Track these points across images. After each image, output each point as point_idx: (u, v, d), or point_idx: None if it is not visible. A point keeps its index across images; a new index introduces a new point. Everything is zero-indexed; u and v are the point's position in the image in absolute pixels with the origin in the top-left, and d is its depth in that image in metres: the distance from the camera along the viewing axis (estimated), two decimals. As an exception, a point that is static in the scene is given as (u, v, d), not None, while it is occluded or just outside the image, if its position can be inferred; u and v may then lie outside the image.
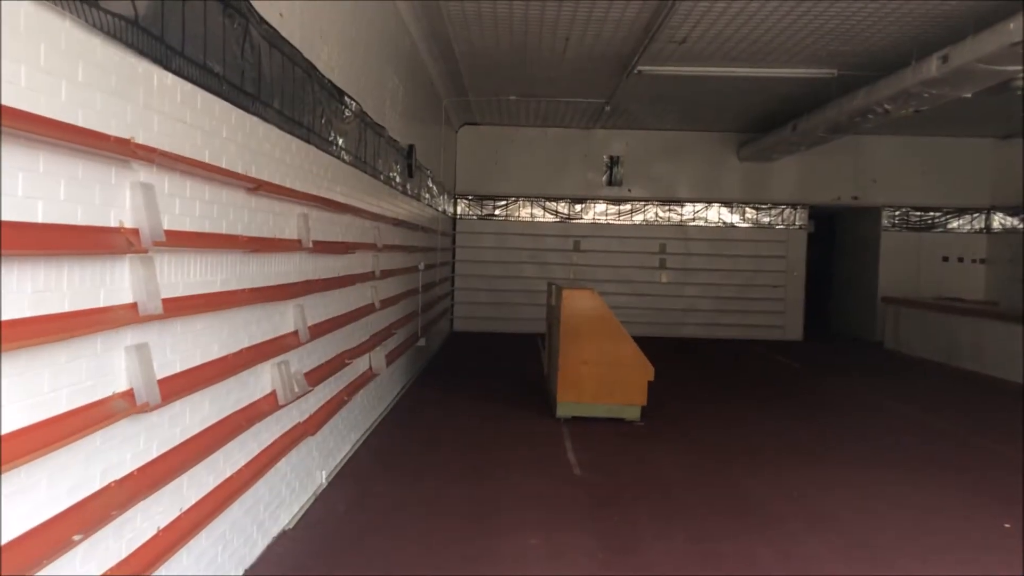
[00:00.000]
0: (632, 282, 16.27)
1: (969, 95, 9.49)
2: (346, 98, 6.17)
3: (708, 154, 16.52)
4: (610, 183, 16.51)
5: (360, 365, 6.95)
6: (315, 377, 5.37)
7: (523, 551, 4.79)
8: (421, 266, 10.71)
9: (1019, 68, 8.20)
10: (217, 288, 3.82)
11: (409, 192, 9.62)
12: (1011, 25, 7.30)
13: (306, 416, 5.28)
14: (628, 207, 16.52)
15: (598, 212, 16.57)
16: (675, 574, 4.53)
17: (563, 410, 8.29)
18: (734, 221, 16.58)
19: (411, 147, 9.38)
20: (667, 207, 16.55)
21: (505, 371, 11.87)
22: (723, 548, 4.95)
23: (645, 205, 16.53)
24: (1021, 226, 15.73)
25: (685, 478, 6.53)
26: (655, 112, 14.57)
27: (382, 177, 7.81)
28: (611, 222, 16.54)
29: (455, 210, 16.31)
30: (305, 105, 5.11)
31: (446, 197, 14.53)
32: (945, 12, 8.35)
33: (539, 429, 7.99)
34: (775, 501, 5.97)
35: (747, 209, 16.58)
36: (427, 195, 11.48)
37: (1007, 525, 5.52)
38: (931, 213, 16.59)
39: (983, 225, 16.53)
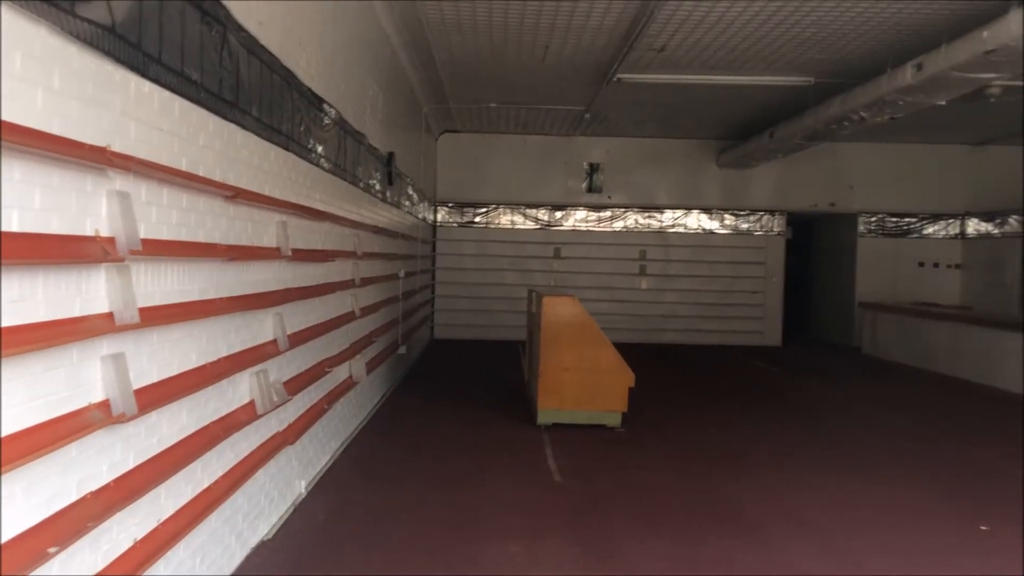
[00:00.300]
0: (612, 288, 16.32)
1: (943, 102, 9.62)
2: (325, 105, 6.16)
3: (687, 161, 16.62)
4: (590, 190, 16.57)
5: (340, 373, 6.92)
6: (294, 386, 5.34)
7: (504, 558, 4.79)
8: (401, 274, 10.69)
9: (992, 76, 8.32)
10: (195, 297, 3.80)
11: (389, 200, 9.60)
12: (984, 33, 7.41)
13: (285, 425, 5.25)
14: (608, 214, 16.58)
15: (578, 219, 16.62)
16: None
17: (544, 417, 8.29)
18: (713, 228, 16.68)
19: (391, 154, 9.37)
20: (647, 214, 16.62)
21: (486, 378, 11.85)
22: (704, 553, 4.97)
23: (625, 212, 16.59)
24: (996, 232, 15.92)
25: (666, 484, 6.55)
26: (635, 119, 14.64)
27: (362, 185, 7.80)
28: (591, 229, 16.59)
29: (435, 217, 16.30)
30: (284, 112, 5.09)
31: (426, 204, 14.52)
32: (920, 21, 8.46)
33: (520, 436, 7.99)
34: (756, 506, 6.00)
35: (726, 216, 16.68)
36: (407, 202, 11.47)
37: (984, 527, 5.57)
38: (907, 219, 16.77)
39: (958, 231, 16.73)
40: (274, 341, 4.96)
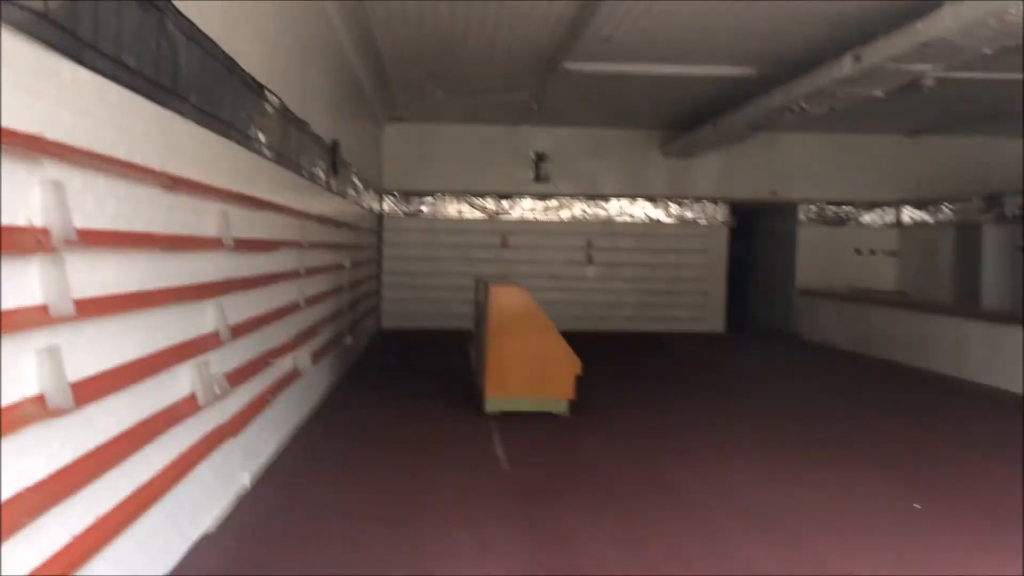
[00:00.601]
0: (559, 277, 16.41)
1: (881, 94, 9.87)
2: (268, 93, 6.07)
3: (633, 151, 16.76)
4: (537, 179, 16.61)
5: (284, 364, 6.85)
6: (237, 378, 5.27)
7: (451, 547, 4.80)
8: (347, 263, 10.61)
9: (926, 67, 8.55)
10: (133, 288, 3.72)
11: (334, 189, 9.51)
12: (919, 26, 7.61)
13: (228, 417, 5.18)
14: (555, 203, 16.65)
15: (525, 208, 16.66)
16: (602, 563, 4.60)
17: (491, 405, 8.32)
18: (658, 217, 16.87)
19: (336, 143, 9.27)
20: (593, 203, 16.74)
21: (433, 367, 11.84)
22: (650, 537, 5.04)
23: (572, 201, 16.68)
24: (929, 220, 16.40)
25: (612, 469, 6.63)
26: (581, 109, 14.71)
27: (306, 173, 7.71)
28: (538, 218, 16.65)
29: (382, 207, 16.18)
30: (225, 100, 5.00)
31: (372, 194, 14.41)
32: (859, 13, 8.62)
33: (467, 424, 8.01)
34: (700, 490, 6.11)
35: (671, 205, 16.88)
36: (352, 192, 11.37)
37: (917, 506, 5.76)
38: (845, 208, 17.17)
39: (894, 219, 17.18)
40: (216, 333, 4.89)
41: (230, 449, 5.23)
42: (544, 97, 13.31)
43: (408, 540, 4.88)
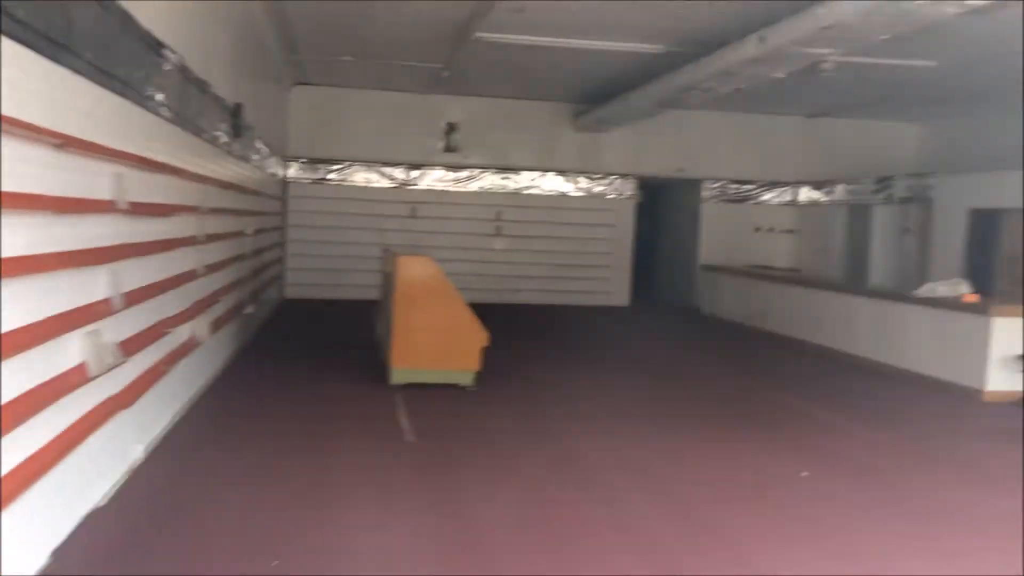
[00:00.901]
0: (468, 249, 16.38)
1: (783, 75, 10.15)
2: (166, 51, 5.80)
3: (544, 123, 16.80)
4: (447, 150, 16.48)
5: (182, 334, 6.63)
6: (131, 347, 5.08)
7: (353, 520, 4.77)
8: (250, 231, 10.32)
9: (827, 51, 8.82)
10: (19, 252, 3.52)
11: (236, 153, 9.21)
12: (820, 10, 7.84)
13: (121, 388, 4.99)
14: (465, 174, 16.57)
15: (435, 178, 16.52)
16: (505, 534, 4.65)
17: (397, 376, 8.27)
18: (568, 190, 16.99)
19: (238, 105, 8.96)
20: (503, 175, 16.73)
21: (338, 338, 11.69)
22: (552, 508, 5.13)
23: (482, 172, 16.63)
24: (824, 199, 17.03)
25: (517, 441, 6.70)
26: (493, 80, 14.63)
27: (206, 136, 7.43)
28: (448, 189, 16.54)
29: (286, 173, 15.78)
30: (120, 57, 4.76)
31: (277, 159, 14.03)
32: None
33: (372, 396, 7.95)
34: (601, 460, 6.24)
35: (580, 178, 17.02)
36: (256, 156, 11.04)
37: (804, 474, 6.03)
38: (746, 186, 17.66)
39: (791, 198, 17.78)
40: (108, 300, 4.68)
41: (123, 421, 5.05)
42: (456, 66, 13.17)
43: (308, 512, 4.83)
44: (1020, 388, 8.77)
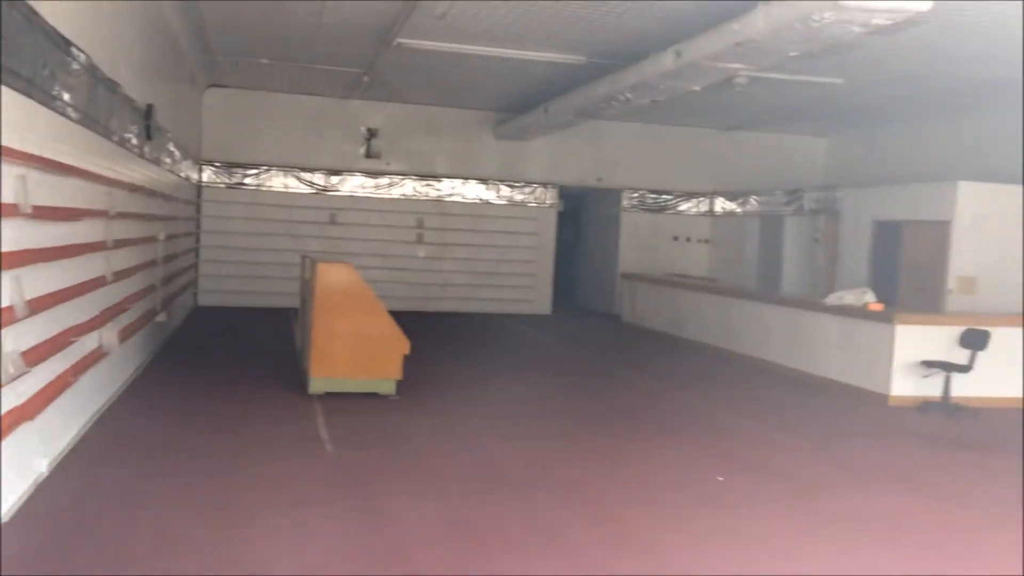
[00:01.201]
0: (389, 256, 16.25)
1: (699, 89, 10.39)
2: (74, 49, 5.58)
3: (466, 131, 16.80)
4: (368, 156, 16.33)
5: (89, 342, 6.38)
6: (34, 356, 4.85)
7: (271, 533, 4.65)
8: (161, 236, 10.01)
9: (740, 66, 9.07)
10: (-91, 257, 3.33)
11: (147, 156, 8.92)
12: (735, 26, 8.05)
13: (23, 400, 4.76)
14: (386, 181, 16.43)
15: (355, 185, 16.33)
16: (426, 545, 4.61)
17: (316, 386, 8.12)
18: (490, 198, 17.02)
19: (150, 107, 8.69)
20: (425, 182, 16.65)
21: (255, 347, 11.43)
22: (474, 517, 5.10)
23: (403, 179, 16.52)
24: (738, 210, 17.50)
25: (438, 450, 6.65)
26: (415, 86, 14.56)
27: (116, 138, 7.17)
28: (369, 195, 16.38)
29: (200, 177, 15.37)
30: (24, 55, 4.55)
31: (190, 163, 13.65)
32: (684, 10, 8.95)
33: (290, 406, 7.79)
34: (521, 469, 6.25)
35: (502, 186, 17.08)
36: (168, 160, 10.72)
37: (720, 478, 6.16)
38: (664, 196, 18.01)
39: (707, 209, 18.21)
40: (10, 307, 4.46)
41: (25, 433, 4.81)
42: (377, 71, 13.06)
43: (224, 527, 4.69)
44: (923, 393, 9.16)
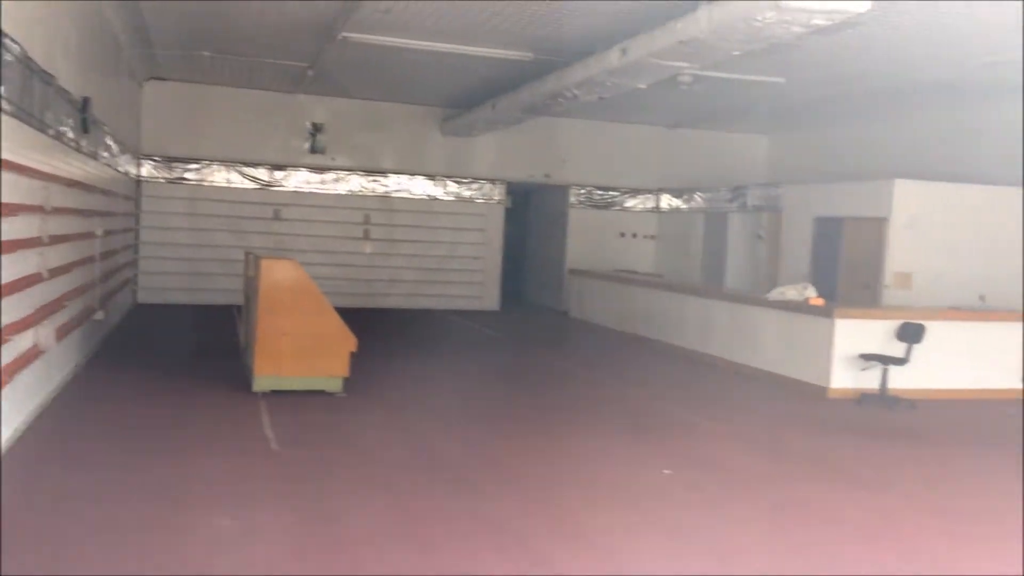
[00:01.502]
0: (335, 252, 16.09)
1: (644, 86, 10.48)
2: (7, 40, 5.40)
3: (412, 127, 16.70)
4: (313, 151, 16.13)
5: (24, 341, 6.19)
6: (-35, 356, 4.69)
7: (215, 532, 4.58)
8: (100, 232, 9.76)
9: (684, 64, 9.17)
10: None
11: (84, 150, 8.68)
12: (678, 25, 8.14)
13: (-46, 401, 4.60)
14: (332, 176, 16.26)
15: (300, 180, 16.12)
16: (373, 543, 4.58)
17: (261, 384, 8.01)
18: (437, 194, 16.95)
19: (87, 99, 8.46)
20: (371, 178, 16.52)
21: (197, 345, 11.23)
22: (420, 512, 5.08)
23: (349, 175, 16.36)
24: (684, 207, 17.72)
25: (384, 447, 6.62)
26: (361, 81, 14.42)
27: (52, 132, 6.97)
28: (314, 191, 16.18)
29: (140, 172, 15.02)
30: (-50, 42, 4.39)
31: (129, 157, 13.33)
32: (630, 8, 9.02)
33: (234, 404, 7.66)
34: (469, 464, 6.25)
35: (449, 183, 17.02)
36: (106, 154, 10.45)
37: (666, 471, 6.24)
38: (611, 192, 18.15)
39: (654, 205, 18.40)
40: (-62, 306, 4.31)
41: (-45, 437, 4.66)
42: (322, 65, 12.91)
43: (167, 526, 4.60)
44: (861, 385, 9.39)
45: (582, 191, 17.93)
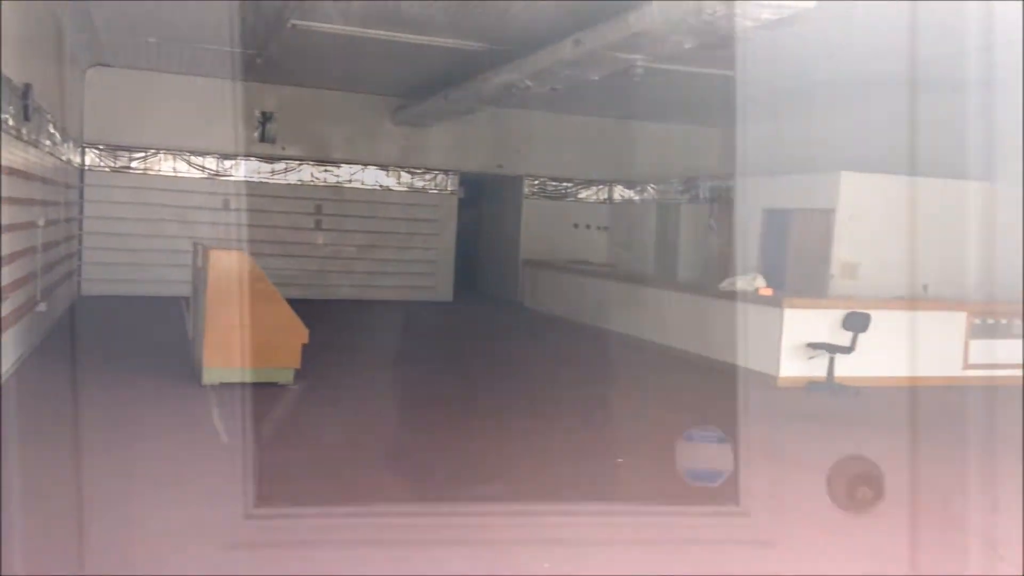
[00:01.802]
0: (286, 243, 15.89)
1: (597, 78, 10.52)
2: (-63, 21, 5.22)
3: (364, 116, 16.54)
4: (263, 140, 15.89)
5: (-39, 335, 6.00)
6: (-102, 350, 4.54)
7: (162, 527, 4.50)
8: (41, 222, 9.51)
9: (637, 56, 9.23)
10: None
11: (25, 137, 8.44)
12: (631, 17, 8.18)
13: None
14: (283, 166, 16.04)
15: (250, 169, 15.88)
16: (324, 534, 4.55)
17: (209, 376, 7.88)
18: (389, 184, 16.83)
19: (27, 86, 8.21)
20: (323, 167, 16.34)
21: (144, 337, 11.02)
22: (374, 497, 5.06)
23: (300, 164, 16.16)
24: (636, 198, 17.86)
25: (335, 436, 6.59)
26: (310, 69, 14.23)
27: (-11, 118, 6.76)
28: (264, 180, 15.95)
29: (83, 160, 14.65)
30: None
31: (72, 146, 12.99)
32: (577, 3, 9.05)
33: (183, 397, 7.54)
34: (421, 452, 6.24)
35: (402, 173, 16.91)
36: (48, 142, 10.17)
37: (619, 460, 6.30)
38: (565, 184, 18.20)
39: (606, 196, 18.51)
40: None
41: None
42: (271, 53, 12.69)
43: (113, 523, 4.50)
44: (809, 374, 9.57)
45: (535, 182, 17.95)
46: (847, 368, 9.43)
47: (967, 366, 10.19)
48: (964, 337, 10.16)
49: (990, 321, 10.36)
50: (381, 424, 7.10)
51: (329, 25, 10.61)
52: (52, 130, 10.46)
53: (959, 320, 10.14)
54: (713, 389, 9.53)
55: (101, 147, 14.91)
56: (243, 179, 15.84)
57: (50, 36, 10.32)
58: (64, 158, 11.88)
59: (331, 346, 10.23)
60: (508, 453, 6.42)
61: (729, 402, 8.89)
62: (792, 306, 9.74)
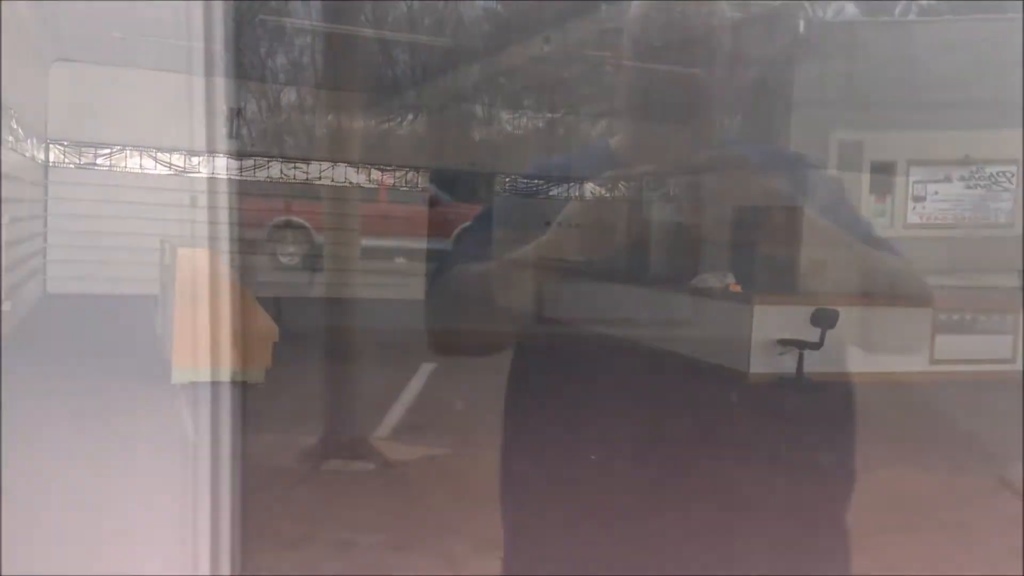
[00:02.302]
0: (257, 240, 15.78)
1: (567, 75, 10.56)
2: None
3: (334, 112, 16.40)
4: (231, 136, 15.72)
5: (-78, 334, 5.90)
6: None
7: (127, 529, 4.46)
8: (4, 219, 9.37)
9: (606, 54, 9.28)
10: None
11: (-13, 132, 8.31)
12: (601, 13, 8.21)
13: None
14: (251, 162, 15.92)
15: (219, 166, 15.71)
16: (300, 535, 4.53)
17: (180, 375, 7.80)
18: (360, 181, 16.76)
19: (-11, 80, 8.09)
20: (292, 164, 16.23)
21: (111, 335, 10.87)
22: (349, 504, 5.05)
23: (269, 162, 16.05)
24: (608, 196, 17.94)
25: (309, 437, 6.55)
26: (280, 65, 14.15)
27: (-51, 112, 6.64)
28: (233, 177, 15.80)
29: (47, 157, 14.42)
30: None
31: (35, 142, 12.80)
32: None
33: (152, 396, 7.47)
34: (392, 454, 6.23)
35: (372, 170, 16.84)
36: (11, 138, 10.02)
37: (592, 457, 6.32)
38: (536, 181, 18.23)
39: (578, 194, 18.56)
40: None
41: None
42: (240, 48, 12.59)
43: (78, 523, 4.45)
44: (778, 370, 9.67)
45: (507, 179, 17.95)
46: (816, 364, 9.53)
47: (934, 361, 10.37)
48: (930, 332, 10.33)
49: (955, 317, 10.55)
50: (350, 419, 7.07)
51: (297, 20, 10.55)
52: (15, 125, 10.31)
53: (926, 316, 10.31)
54: (686, 387, 9.60)
55: (66, 143, 14.68)
56: (211, 176, 15.68)
57: (12, 30, 10.15)
58: (27, 155, 11.71)
59: (302, 344, 10.18)
60: (481, 450, 6.43)
61: (696, 399, 8.98)
62: (763, 303, 9.81)
